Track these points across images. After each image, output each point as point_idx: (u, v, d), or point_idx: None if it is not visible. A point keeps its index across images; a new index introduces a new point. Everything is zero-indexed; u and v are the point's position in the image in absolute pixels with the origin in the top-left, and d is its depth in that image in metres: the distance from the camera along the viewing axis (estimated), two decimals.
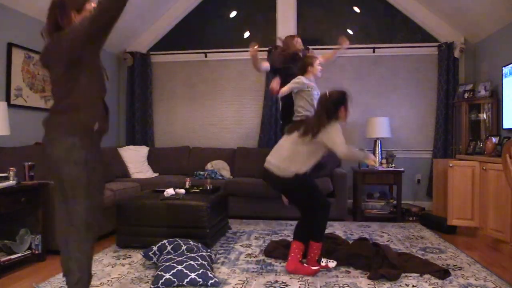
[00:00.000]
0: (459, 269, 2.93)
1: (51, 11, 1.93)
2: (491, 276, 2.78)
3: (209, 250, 3.11)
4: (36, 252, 3.15)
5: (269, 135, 5.46)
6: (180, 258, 2.72)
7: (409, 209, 4.92)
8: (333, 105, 2.89)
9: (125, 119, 5.91)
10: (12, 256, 2.95)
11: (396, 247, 3.51)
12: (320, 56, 4.13)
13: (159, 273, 2.59)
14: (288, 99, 3.98)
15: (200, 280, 2.58)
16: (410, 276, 2.77)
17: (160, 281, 2.54)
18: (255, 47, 3.89)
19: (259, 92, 5.63)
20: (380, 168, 4.89)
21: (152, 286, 2.53)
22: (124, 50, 5.88)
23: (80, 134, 1.88)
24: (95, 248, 2.00)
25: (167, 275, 2.55)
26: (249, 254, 3.34)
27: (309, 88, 3.78)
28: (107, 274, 2.85)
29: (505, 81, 4.14)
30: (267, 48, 5.57)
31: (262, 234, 4.03)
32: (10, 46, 3.84)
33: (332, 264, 2.97)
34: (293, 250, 2.88)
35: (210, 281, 2.59)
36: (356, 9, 5.70)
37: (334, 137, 2.81)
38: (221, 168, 5.23)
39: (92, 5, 1.98)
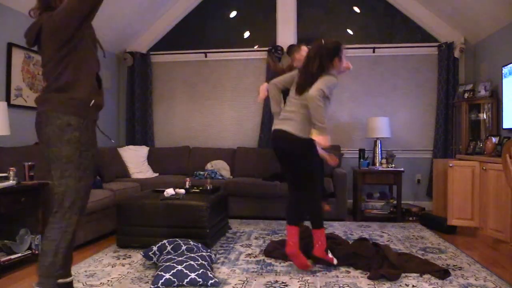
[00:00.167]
0: (459, 269, 2.93)
1: None
2: (491, 276, 2.78)
3: (209, 250, 3.11)
4: (36, 252, 3.14)
5: (269, 135, 5.45)
6: (180, 258, 2.72)
7: (409, 209, 4.92)
8: (327, 55, 2.86)
9: (125, 119, 5.91)
10: (12, 256, 2.95)
11: (396, 247, 3.51)
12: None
13: (159, 273, 2.59)
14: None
15: (200, 280, 2.58)
16: (410, 276, 2.77)
17: (160, 281, 2.53)
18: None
19: (258, 92, 5.62)
20: (380, 168, 4.89)
21: (152, 286, 2.53)
22: (124, 50, 5.88)
23: (76, 113, 1.86)
24: (72, 234, 1.90)
25: (167, 275, 2.55)
26: (249, 254, 3.34)
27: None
28: (107, 274, 2.85)
29: (505, 81, 4.14)
30: (267, 48, 5.58)
31: (262, 234, 4.03)
32: (10, 46, 3.84)
33: (335, 261, 2.98)
34: (293, 235, 2.90)
35: (210, 281, 2.59)
36: (356, 9, 5.70)
37: (319, 84, 2.77)
38: (221, 168, 5.23)
39: None
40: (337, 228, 4.27)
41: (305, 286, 2.63)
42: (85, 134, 1.89)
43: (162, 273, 2.58)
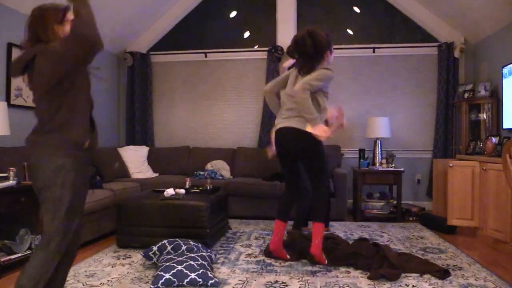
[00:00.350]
0: (459, 269, 2.93)
1: (31, 23, 1.87)
2: (491, 276, 2.78)
3: (209, 250, 3.11)
4: None
5: (269, 135, 5.45)
6: (180, 258, 2.72)
7: (409, 209, 4.92)
8: (320, 51, 2.90)
9: (125, 119, 5.91)
10: (12, 256, 2.95)
11: (396, 247, 3.51)
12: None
13: (159, 273, 2.59)
14: None
15: (200, 280, 2.58)
16: (410, 276, 2.77)
17: (160, 281, 2.53)
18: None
19: (259, 92, 5.62)
20: (380, 168, 4.89)
21: (152, 286, 2.53)
22: (124, 50, 5.88)
23: (69, 155, 1.83)
24: (50, 273, 1.85)
25: (167, 275, 2.55)
26: (249, 254, 3.34)
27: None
28: (107, 274, 2.85)
29: (505, 81, 4.14)
30: (267, 48, 5.58)
31: (262, 234, 4.03)
32: (10, 46, 3.84)
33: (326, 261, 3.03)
34: (280, 231, 3.03)
35: (210, 281, 2.59)
36: (356, 9, 5.70)
37: (307, 78, 2.82)
38: (221, 168, 5.23)
39: (72, 16, 1.89)
40: (337, 228, 4.27)
41: (305, 286, 2.63)
42: (79, 176, 1.86)
43: (162, 273, 2.58)
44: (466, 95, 4.83)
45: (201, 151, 5.54)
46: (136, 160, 5.26)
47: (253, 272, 2.89)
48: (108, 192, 3.99)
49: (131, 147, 5.44)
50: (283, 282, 2.69)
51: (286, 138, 2.98)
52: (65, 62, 1.77)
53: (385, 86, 5.50)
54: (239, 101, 5.78)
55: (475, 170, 3.90)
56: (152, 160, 5.45)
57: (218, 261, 3.14)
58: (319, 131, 2.79)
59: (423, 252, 3.38)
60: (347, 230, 4.17)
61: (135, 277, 2.79)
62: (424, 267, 2.88)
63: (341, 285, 2.63)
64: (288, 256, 3.10)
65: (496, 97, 4.49)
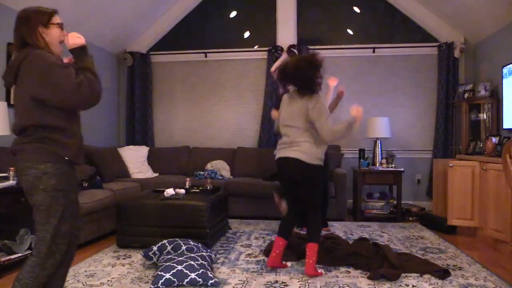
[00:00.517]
0: (459, 269, 2.93)
1: (17, 26, 1.86)
2: (491, 276, 2.78)
3: (209, 250, 3.11)
4: None
5: (269, 135, 5.46)
6: (180, 258, 2.72)
7: (409, 209, 4.92)
8: (313, 75, 2.86)
9: (125, 119, 5.91)
10: (12, 256, 2.95)
11: (396, 247, 3.51)
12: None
13: (159, 273, 2.59)
14: None
15: (200, 280, 2.58)
16: (410, 276, 2.77)
17: (160, 281, 2.54)
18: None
19: (259, 92, 5.63)
20: (380, 168, 4.89)
21: (152, 286, 2.53)
22: (124, 50, 5.88)
23: (52, 161, 1.81)
24: (46, 278, 1.85)
25: (167, 275, 2.55)
26: (249, 254, 3.34)
27: None
28: (107, 274, 2.85)
29: (505, 81, 4.14)
30: (267, 48, 5.58)
31: (262, 234, 4.03)
32: (10, 46, 3.84)
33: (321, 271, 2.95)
34: (279, 247, 2.95)
35: (210, 281, 2.59)
36: (356, 9, 5.70)
37: (321, 118, 2.83)
38: (221, 168, 5.23)
39: (58, 20, 1.92)
40: (337, 228, 4.27)
41: (305, 286, 2.63)
42: (62, 180, 1.83)
43: (162, 273, 2.58)
44: (466, 95, 4.83)
45: (201, 151, 5.54)
46: (136, 160, 5.26)
47: (253, 272, 2.89)
48: (108, 192, 3.99)
49: (131, 147, 5.44)
50: (283, 282, 2.69)
51: (289, 168, 2.92)
52: (65, 100, 1.79)
53: (385, 86, 5.50)
54: (239, 101, 5.78)
55: (475, 170, 3.90)
56: (152, 160, 5.45)
57: (218, 261, 3.14)
58: (356, 117, 2.91)
59: (423, 252, 3.38)
60: (347, 230, 4.17)
61: (135, 277, 2.79)
62: (424, 267, 2.88)
63: (341, 285, 2.63)
64: (289, 264, 3.03)
65: (496, 97, 4.49)
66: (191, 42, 5.91)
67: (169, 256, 2.80)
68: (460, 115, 4.95)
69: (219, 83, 5.83)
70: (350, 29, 5.75)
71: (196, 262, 2.70)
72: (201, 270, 2.63)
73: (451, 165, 4.04)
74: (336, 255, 3.09)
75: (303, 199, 2.99)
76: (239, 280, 2.72)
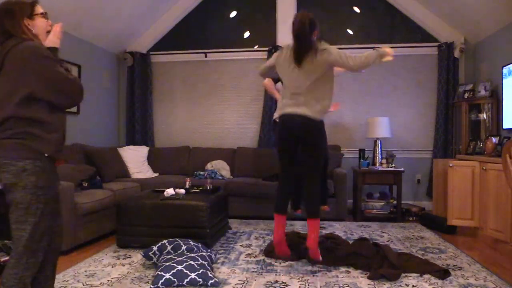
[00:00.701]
0: (459, 269, 2.93)
1: (0, 19, 1.81)
2: (491, 276, 2.78)
3: (209, 250, 3.11)
4: None
5: (269, 135, 5.46)
6: (180, 258, 2.72)
7: (409, 209, 4.92)
8: (310, 30, 2.94)
9: (125, 119, 5.91)
10: None
11: (396, 247, 3.51)
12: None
13: (159, 273, 2.59)
14: None
15: (200, 280, 2.58)
16: (410, 276, 2.77)
17: (160, 281, 2.54)
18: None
19: (259, 92, 5.63)
20: (380, 168, 4.89)
21: (152, 286, 2.53)
22: (124, 50, 5.88)
23: (32, 158, 1.77)
24: (30, 278, 1.82)
25: (167, 275, 2.55)
26: (249, 254, 3.34)
27: None
28: (107, 274, 2.85)
29: (505, 81, 4.14)
30: (267, 48, 5.58)
31: (262, 234, 4.03)
32: None
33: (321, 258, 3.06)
34: (282, 226, 3.07)
35: (210, 281, 2.59)
36: (356, 9, 5.70)
37: (339, 51, 2.89)
38: (221, 168, 5.23)
39: (41, 9, 1.87)
40: (337, 228, 4.27)
41: (305, 286, 2.63)
42: (42, 177, 1.80)
43: (162, 273, 2.58)
44: (466, 95, 4.83)
45: (201, 151, 5.54)
46: (136, 160, 5.26)
47: (253, 272, 2.89)
48: (108, 192, 3.99)
49: (131, 147, 5.44)
50: (283, 282, 2.69)
51: (296, 125, 2.95)
52: (66, 101, 1.81)
53: (385, 86, 5.50)
54: (239, 101, 5.78)
55: (475, 170, 3.90)
56: (152, 160, 5.45)
57: (218, 261, 3.14)
58: (388, 51, 2.92)
59: (423, 252, 3.38)
60: (347, 230, 4.17)
61: (135, 277, 2.79)
62: (424, 267, 2.88)
63: (341, 285, 2.63)
64: (289, 253, 3.12)
65: (496, 97, 4.49)
66: (191, 42, 5.91)
67: (169, 256, 2.80)
68: (460, 115, 4.95)
69: (219, 83, 5.83)
70: (350, 29, 5.75)
71: (196, 262, 2.70)
72: (201, 270, 2.63)
73: (451, 165, 4.04)
74: (336, 255, 3.09)
75: (303, 161, 3.04)
76: (239, 280, 2.72)
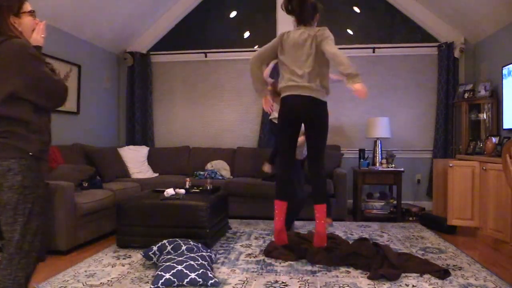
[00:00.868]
0: (459, 269, 2.93)
1: None
2: (491, 276, 2.78)
3: (209, 250, 3.11)
4: None
5: (269, 135, 5.46)
6: (180, 258, 2.72)
7: (409, 209, 4.92)
8: (313, 11, 3.00)
9: (125, 119, 5.91)
10: None
11: (396, 247, 3.51)
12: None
13: (159, 273, 2.59)
14: None
15: (200, 280, 2.58)
16: (410, 276, 2.77)
17: (160, 281, 2.54)
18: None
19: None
20: (380, 168, 4.89)
21: (152, 286, 2.53)
22: (124, 50, 5.88)
23: (16, 157, 1.74)
24: (30, 279, 1.82)
25: (167, 275, 2.55)
26: (249, 254, 3.34)
27: None
28: (107, 274, 2.85)
29: (505, 81, 4.14)
30: None
31: (262, 234, 4.03)
32: None
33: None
34: (283, 212, 3.04)
35: (210, 281, 2.59)
36: (356, 9, 5.70)
37: (328, 40, 2.87)
38: (221, 168, 5.23)
39: (29, 7, 1.85)
40: (337, 228, 4.27)
41: (305, 286, 2.63)
42: (28, 176, 1.76)
43: (162, 273, 2.58)
44: (466, 95, 4.83)
45: (201, 151, 5.54)
46: (136, 160, 5.26)
47: (253, 272, 2.89)
48: (108, 192, 3.99)
49: (131, 147, 5.44)
50: (283, 282, 2.69)
51: (301, 105, 2.92)
52: (51, 104, 1.79)
53: (385, 86, 5.50)
54: (239, 101, 5.78)
55: (475, 170, 3.90)
56: (152, 160, 5.45)
57: (218, 261, 3.14)
58: (362, 87, 2.75)
59: (423, 252, 3.38)
60: (347, 230, 4.17)
61: (135, 277, 2.79)
62: (424, 267, 2.88)
63: (341, 285, 2.63)
64: (287, 241, 3.12)
65: (496, 97, 4.49)
66: (191, 42, 5.91)
67: (169, 256, 2.80)
68: (460, 115, 4.95)
69: (219, 83, 5.83)
70: (350, 29, 5.75)
71: (196, 262, 2.70)
72: (201, 270, 2.63)
73: (451, 165, 4.04)
74: (336, 255, 3.09)
75: (311, 143, 3.02)
76: (239, 280, 2.72)
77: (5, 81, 1.71)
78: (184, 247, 2.97)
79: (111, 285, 2.64)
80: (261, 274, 2.84)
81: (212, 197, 3.72)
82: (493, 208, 3.58)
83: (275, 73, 4.49)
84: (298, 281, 2.71)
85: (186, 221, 3.41)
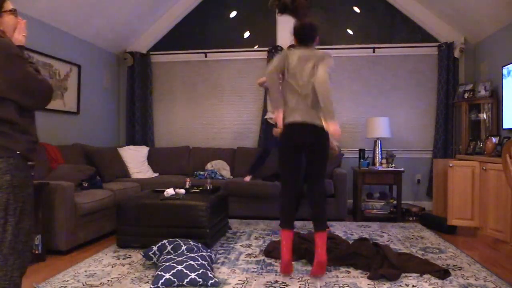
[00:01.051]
0: (459, 269, 2.93)
1: None
2: (491, 276, 2.78)
3: (209, 250, 3.11)
4: (36, 252, 3.14)
5: (269, 135, 5.45)
6: (180, 258, 2.72)
7: (409, 209, 4.92)
8: (314, 34, 2.97)
9: (125, 119, 5.91)
10: None
11: (396, 247, 3.51)
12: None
13: (159, 273, 2.59)
14: None
15: (200, 280, 2.58)
16: (410, 276, 2.77)
17: (160, 281, 2.54)
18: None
19: (259, 92, 5.63)
20: (380, 168, 4.89)
21: (152, 286, 2.53)
22: (124, 50, 5.88)
23: (4, 156, 1.71)
24: (20, 278, 1.79)
25: (167, 275, 2.55)
26: (249, 254, 3.34)
27: None
28: (107, 274, 2.85)
29: (505, 81, 4.14)
30: (267, 49, 5.58)
31: (262, 234, 4.03)
32: None
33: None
34: (291, 242, 2.83)
35: (210, 281, 2.59)
36: (356, 9, 5.70)
37: (323, 66, 2.80)
38: (221, 168, 5.23)
39: (10, 6, 1.81)
40: (337, 228, 4.27)
41: (305, 286, 2.63)
42: (17, 175, 1.73)
43: (162, 273, 2.58)
44: (466, 95, 4.83)
45: (201, 151, 5.54)
46: (136, 160, 5.26)
47: (253, 272, 2.89)
48: (108, 192, 3.99)
49: (131, 147, 5.44)
50: (283, 282, 2.69)
51: (304, 133, 2.82)
52: (35, 104, 1.76)
53: (385, 86, 5.50)
54: (239, 101, 5.78)
55: (475, 170, 3.90)
56: (152, 160, 5.45)
57: (218, 261, 3.14)
58: (338, 129, 2.71)
59: (423, 252, 3.38)
60: (347, 230, 4.17)
61: (135, 277, 2.79)
62: (424, 267, 2.88)
63: (341, 285, 2.63)
64: (292, 269, 2.91)
65: (496, 97, 4.49)
66: (191, 42, 5.91)
67: (169, 256, 2.80)
68: (460, 115, 4.95)
69: (219, 83, 5.83)
70: (350, 29, 5.75)
71: (196, 262, 2.70)
72: (201, 270, 2.63)
73: (451, 165, 4.04)
74: (336, 255, 3.09)
75: (313, 167, 2.90)
76: (239, 280, 2.72)
77: None
78: (184, 247, 2.97)
79: (111, 285, 2.64)
80: (261, 274, 2.84)
81: (212, 197, 3.72)
82: (493, 208, 3.58)
83: None
84: (298, 281, 2.71)
85: (186, 221, 3.41)
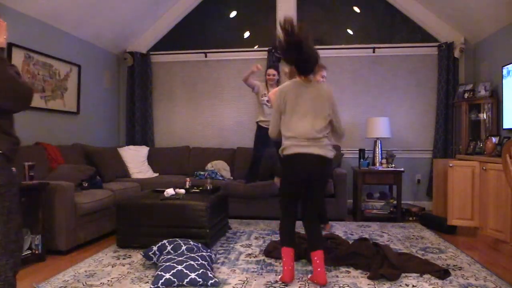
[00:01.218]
0: (459, 269, 2.93)
1: None
2: (491, 276, 2.78)
3: (209, 250, 3.11)
4: (36, 252, 3.15)
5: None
6: (180, 258, 2.72)
7: (409, 209, 4.92)
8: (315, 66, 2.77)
9: (125, 119, 5.91)
10: None
11: (396, 247, 3.51)
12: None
13: (159, 273, 2.59)
14: None
15: (200, 280, 2.58)
16: (410, 276, 2.77)
17: (160, 281, 2.54)
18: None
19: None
20: (380, 168, 4.89)
21: (152, 286, 2.53)
22: (124, 50, 5.88)
23: None
24: (14, 277, 1.79)
25: (167, 275, 2.56)
26: (249, 254, 3.34)
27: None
28: (107, 274, 2.85)
29: (505, 81, 4.14)
30: (267, 48, 5.58)
31: (262, 234, 4.03)
32: (10, 46, 3.83)
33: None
34: (292, 260, 2.73)
35: (210, 281, 2.59)
36: (356, 9, 5.70)
37: (336, 113, 2.80)
38: (221, 168, 5.23)
39: None
40: (337, 228, 4.27)
41: (305, 286, 2.63)
42: (2, 174, 1.73)
43: (162, 273, 2.58)
44: (466, 95, 4.83)
45: (201, 151, 5.54)
46: (136, 160, 5.26)
47: (253, 272, 2.89)
48: (108, 192, 3.99)
49: (131, 147, 5.44)
50: (283, 282, 2.68)
51: (311, 166, 2.70)
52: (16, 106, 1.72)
53: (385, 86, 5.50)
54: (239, 101, 5.78)
55: (475, 170, 3.90)
56: (152, 160, 5.45)
57: (218, 261, 3.14)
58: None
59: (423, 252, 3.38)
60: (347, 230, 4.17)
61: (135, 277, 2.79)
62: (424, 267, 2.88)
63: (341, 285, 2.63)
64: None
65: (496, 97, 4.49)
66: (191, 42, 5.91)
67: (169, 256, 2.80)
68: (460, 115, 4.95)
69: (219, 83, 5.83)
70: (350, 29, 5.75)
71: (196, 262, 2.70)
72: (201, 270, 2.63)
73: (451, 165, 4.04)
74: (336, 255, 3.09)
75: (311, 199, 2.80)
76: (239, 280, 2.72)
77: None
78: (184, 247, 2.98)
79: (111, 285, 2.64)
80: (261, 274, 2.84)
81: (212, 197, 3.72)
82: (493, 208, 3.58)
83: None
84: (298, 281, 2.71)
85: (186, 221, 3.41)
